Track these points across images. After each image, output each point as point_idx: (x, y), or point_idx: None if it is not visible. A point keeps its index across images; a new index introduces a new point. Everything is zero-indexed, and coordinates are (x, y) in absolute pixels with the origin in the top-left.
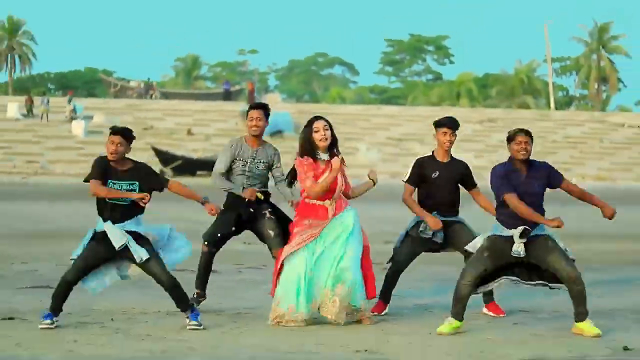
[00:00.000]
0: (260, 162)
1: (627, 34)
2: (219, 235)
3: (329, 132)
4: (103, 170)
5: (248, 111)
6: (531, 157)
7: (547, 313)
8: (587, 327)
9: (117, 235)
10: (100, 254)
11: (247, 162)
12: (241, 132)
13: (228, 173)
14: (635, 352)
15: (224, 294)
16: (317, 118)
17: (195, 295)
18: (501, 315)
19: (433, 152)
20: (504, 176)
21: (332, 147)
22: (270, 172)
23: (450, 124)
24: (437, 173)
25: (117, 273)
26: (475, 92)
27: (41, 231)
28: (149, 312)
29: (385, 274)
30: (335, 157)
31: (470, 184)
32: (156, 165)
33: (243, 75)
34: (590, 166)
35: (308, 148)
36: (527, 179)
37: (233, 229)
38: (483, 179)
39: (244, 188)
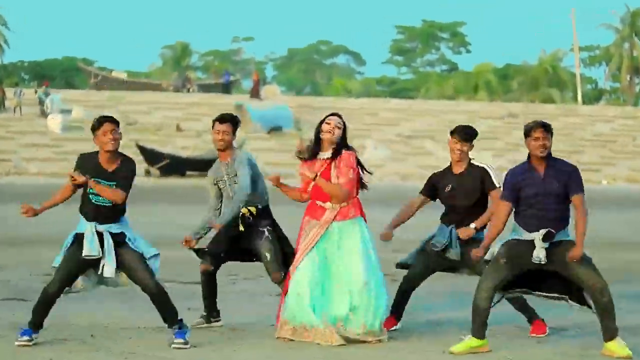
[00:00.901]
0: (235, 175)
1: None
2: (208, 250)
3: (338, 131)
4: (86, 168)
5: (213, 123)
6: (556, 155)
7: (574, 330)
8: (617, 347)
9: (91, 243)
10: (83, 260)
11: (225, 181)
12: None
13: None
14: None
15: None
16: (333, 114)
17: (205, 315)
18: (543, 334)
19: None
20: (513, 182)
21: (339, 148)
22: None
23: (462, 133)
24: (450, 186)
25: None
26: (494, 84)
27: (14, 237)
28: (132, 328)
29: (398, 288)
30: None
31: (489, 186)
32: (141, 164)
33: (237, 65)
34: (622, 166)
35: (314, 143)
36: (546, 178)
37: (225, 247)
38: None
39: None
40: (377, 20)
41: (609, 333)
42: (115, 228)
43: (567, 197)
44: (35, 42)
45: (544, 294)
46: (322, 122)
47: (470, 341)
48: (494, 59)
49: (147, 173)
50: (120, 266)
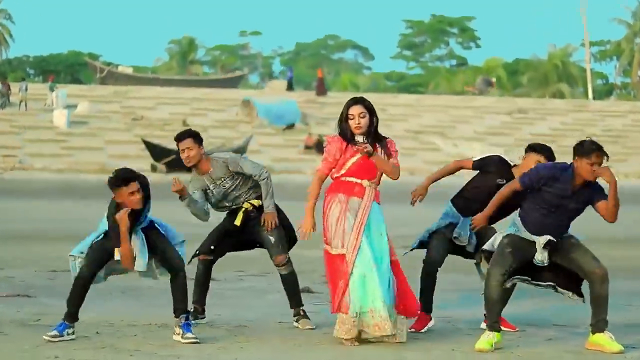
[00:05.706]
0: (223, 179)
1: None
2: (209, 244)
3: (364, 120)
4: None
5: (177, 141)
6: (563, 151)
7: (584, 328)
8: (607, 341)
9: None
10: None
11: (211, 190)
12: (241, 123)
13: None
14: None
15: (222, 304)
16: (355, 102)
17: (192, 310)
18: (512, 330)
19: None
20: (544, 176)
21: (373, 133)
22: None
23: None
24: (504, 181)
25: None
26: (504, 79)
27: (19, 232)
28: (138, 324)
29: (420, 278)
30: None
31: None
32: (147, 159)
33: (244, 59)
34: (634, 163)
35: (344, 131)
36: (574, 196)
37: (223, 237)
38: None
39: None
40: (385, 14)
41: (600, 325)
42: (145, 223)
43: (580, 213)
44: (40, 37)
45: (537, 282)
46: (345, 114)
47: (491, 337)
48: (504, 53)
49: (154, 169)
50: (152, 250)
